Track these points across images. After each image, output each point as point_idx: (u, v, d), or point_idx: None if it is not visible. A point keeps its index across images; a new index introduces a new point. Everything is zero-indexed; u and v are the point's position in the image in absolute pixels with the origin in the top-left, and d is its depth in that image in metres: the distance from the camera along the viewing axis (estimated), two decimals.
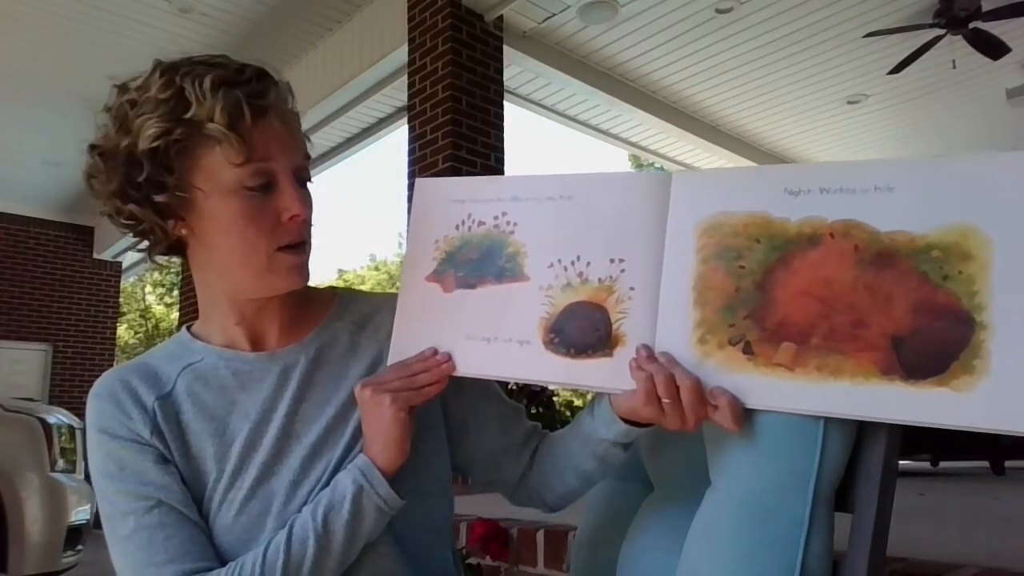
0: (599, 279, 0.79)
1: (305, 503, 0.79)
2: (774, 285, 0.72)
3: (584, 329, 0.78)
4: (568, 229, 0.81)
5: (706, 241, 0.75)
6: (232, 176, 0.77)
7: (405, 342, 0.85)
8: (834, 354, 0.68)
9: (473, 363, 0.82)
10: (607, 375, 0.76)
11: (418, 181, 0.92)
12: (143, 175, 0.77)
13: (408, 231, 0.91)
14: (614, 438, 0.81)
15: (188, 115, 0.75)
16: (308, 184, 0.85)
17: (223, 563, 0.77)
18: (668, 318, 0.75)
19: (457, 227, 0.87)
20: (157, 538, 0.76)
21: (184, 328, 0.91)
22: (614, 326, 0.77)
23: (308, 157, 0.85)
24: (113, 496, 0.79)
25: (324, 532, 0.75)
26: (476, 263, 0.85)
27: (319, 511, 0.76)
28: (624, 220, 0.79)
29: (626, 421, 0.79)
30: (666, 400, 0.72)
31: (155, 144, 0.75)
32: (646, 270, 0.77)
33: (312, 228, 0.85)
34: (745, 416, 0.71)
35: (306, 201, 0.81)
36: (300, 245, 0.82)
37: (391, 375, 0.81)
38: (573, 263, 0.80)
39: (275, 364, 0.85)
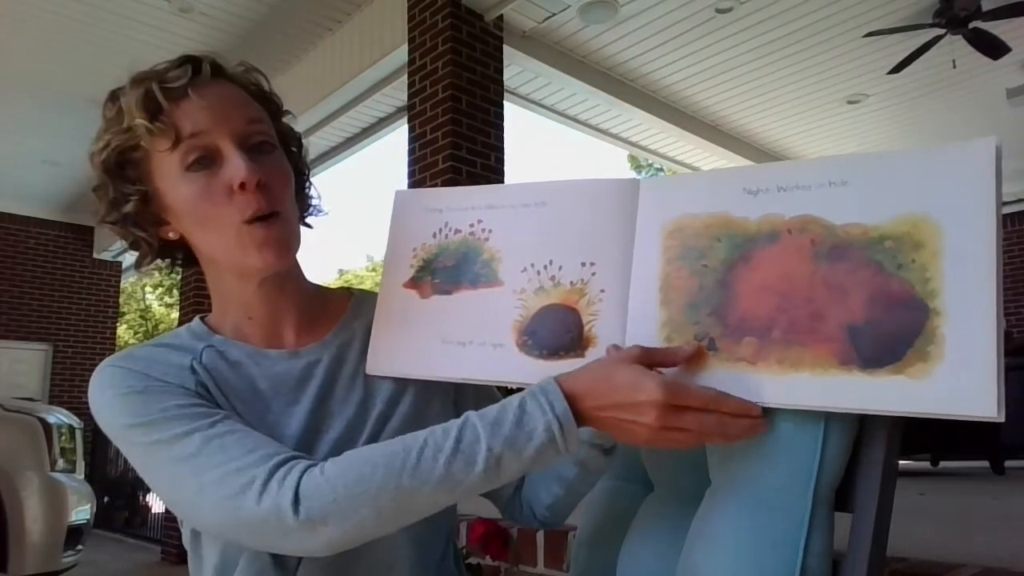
0: (571, 282, 0.80)
1: None
2: (735, 282, 0.73)
3: (556, 331, 0.79)
4: (541, 235, 0.83)
5: (671, 243, 0.77)
6: (172, 163, 0.78)
7: (382, 347, 0.87)
8: (794, 347, 0.68)
9: (448, 367, 0.83)
10: None
11: (396, 192, 0.94)
12: (111, 192, 0.81)
13: (387, 240, 0.92)
14: (588, 438, 0.82)
15: (124, 123, 0.78)
16: (274, 151, 0.82)
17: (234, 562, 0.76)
18: (637, 318, 0.77)
19: (434, 235, 0.89)
20: (230, 441, 0.70)
21: (198, 318, 0.89)
22: (585, 328, 0.78)
23: (256, 122, 0.81)
24: (163, 430, 0.71)
25: (496, 466, 0.67)
26: (452, 270, 0.86)
27: (496, 443, 0.67)
28: (595, 225, 0.81)
29: None
30: None
31: (102, 158, 0.79)
32: (616, 273, 0.79)
33: (287, 195, 0.82)
34: None
35: (256, 168, 0.77)
36: (269, 217, 0.78)
37: (705, 402, 0.68)
38: (546, 267, 0.82)
39: (298, 361, 0.85)
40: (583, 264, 0.80)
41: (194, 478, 0.70)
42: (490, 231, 0.86)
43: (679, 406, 0.66)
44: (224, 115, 0.78)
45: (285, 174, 0.82)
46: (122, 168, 0.80)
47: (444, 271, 0.87)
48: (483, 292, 0.84)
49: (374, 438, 0.82)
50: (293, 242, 0.82)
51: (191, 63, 0.79)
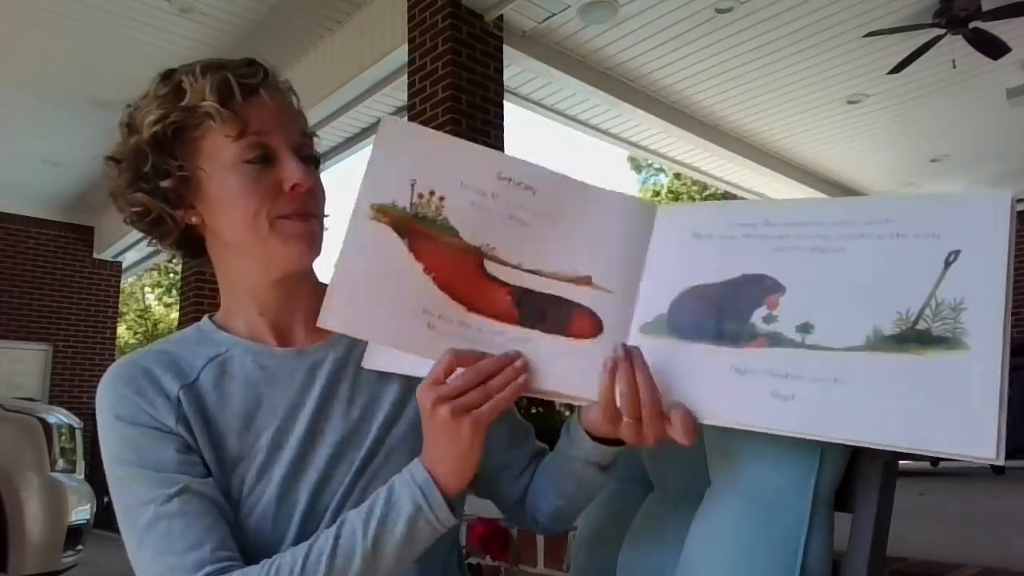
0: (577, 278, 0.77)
1: (328, 507, 0.78)
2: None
3: (558, 309, 0.76)
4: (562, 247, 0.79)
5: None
6: (230, 152, 0.80)
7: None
8: None
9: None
10: (572, 380, 0.74)
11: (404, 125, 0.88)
12: (148, 164, 0.81)
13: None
14: (584, 456, 0.80)
15: (184, 102, 0.80)
16: (317, 165, 0.87)
17: (241, 554, 0.76)
18: (641, 309, 0.76)
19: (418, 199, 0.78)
20: (177, 527, 0.74)
21: (206, 317, 0.89)
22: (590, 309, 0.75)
23: (308, 135, 0.86)
24: (130, 483, 0.76)
25: (373, 551, 0.71)
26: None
27: (371, 526, 0.72)
28: (605, 240, 0.78)
29: (594, 439, 0.78)
30: (627, 419, 0.70)
31: (155, 130, 0.80)
32: (620, 279, 0.77)
33: (324, 209, 0.86)
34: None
35: (310, 173, 0.83)
36: (305, 217, 0.82)
37: (463, 383, 0.71)
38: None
39: (304, 360, 0.85)
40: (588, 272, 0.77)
41: (136, 542, 0.75)
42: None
43: (443, 397, 0.70)
44: (286, 122, 0.83)
45: (324, 189, 0.87)
46: (172, 144, 0.81)
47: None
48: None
49: (378, 441, 0.82)
50: (321, 243, 0.85)
51: (258, 66, 0.83)
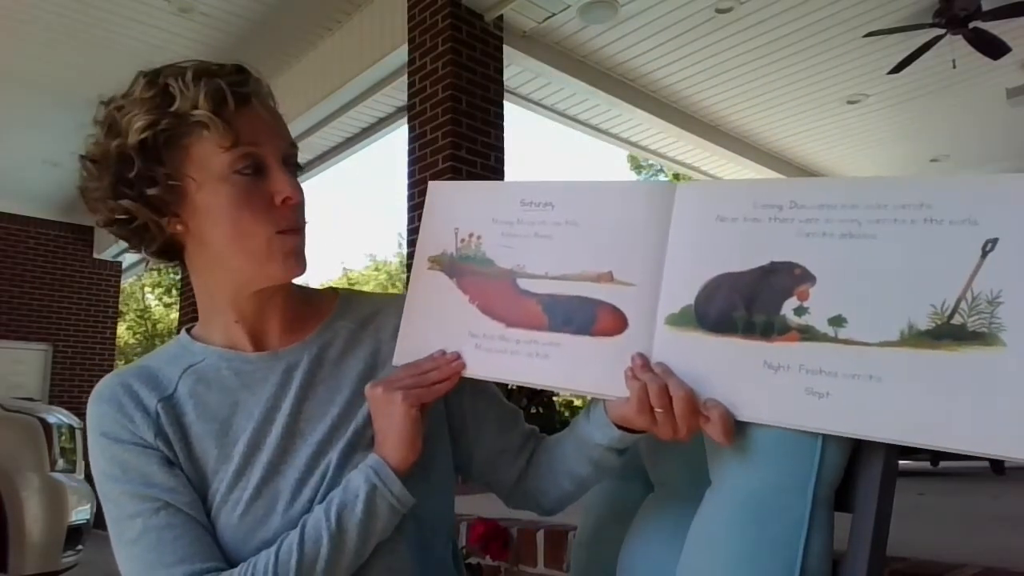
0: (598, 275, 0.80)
1: (310, 502, 0.79)
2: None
3: (583, 310, 0.79)
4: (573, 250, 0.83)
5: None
6: (221, 162, 0.78)
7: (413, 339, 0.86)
8: None
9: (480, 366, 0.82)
10: (604, 380, 0.76)
11: (432, 184, 0.93)
12: (134, 171, 0.79)
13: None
14: (608, 443, 0.82)
15: (173, 107, 0.78)
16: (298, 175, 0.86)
17: (227, 564, 0.77)
18: (665, 302, 0.76)
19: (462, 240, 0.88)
20: (165, 539, 0.76)
21: (184, 331, 0.90)
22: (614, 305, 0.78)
23: (295, 146, 0.85)
24: (118, 499, 0.78)
25: (338, 531, 0.75)
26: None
27: (332, 510, 0.76)
28: (625, 234, 0.80)
29: (620, 427, 0.79)
30: (659, 409, 0.72)
31: (144, 136, 0.77)
32: (645, 273, 0.78)
33: (306, 220, 0.85)
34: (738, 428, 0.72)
35: (299, 186, 0.82)
36: (296, 231, 0.82)
37: (402, 374, 0.82)
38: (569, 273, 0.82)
39: (278, 363, 0.85)
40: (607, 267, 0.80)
41: (125, 554, 0.77)
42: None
43: (380, 382, 0.80)
44: (275, 132, 0.82)
45: (304, 195, 0.86)
46: (161, 151, 0.78)
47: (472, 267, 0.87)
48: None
49: (358, 434, 0.82)
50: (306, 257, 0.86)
51: (248, 74, 0.82)
